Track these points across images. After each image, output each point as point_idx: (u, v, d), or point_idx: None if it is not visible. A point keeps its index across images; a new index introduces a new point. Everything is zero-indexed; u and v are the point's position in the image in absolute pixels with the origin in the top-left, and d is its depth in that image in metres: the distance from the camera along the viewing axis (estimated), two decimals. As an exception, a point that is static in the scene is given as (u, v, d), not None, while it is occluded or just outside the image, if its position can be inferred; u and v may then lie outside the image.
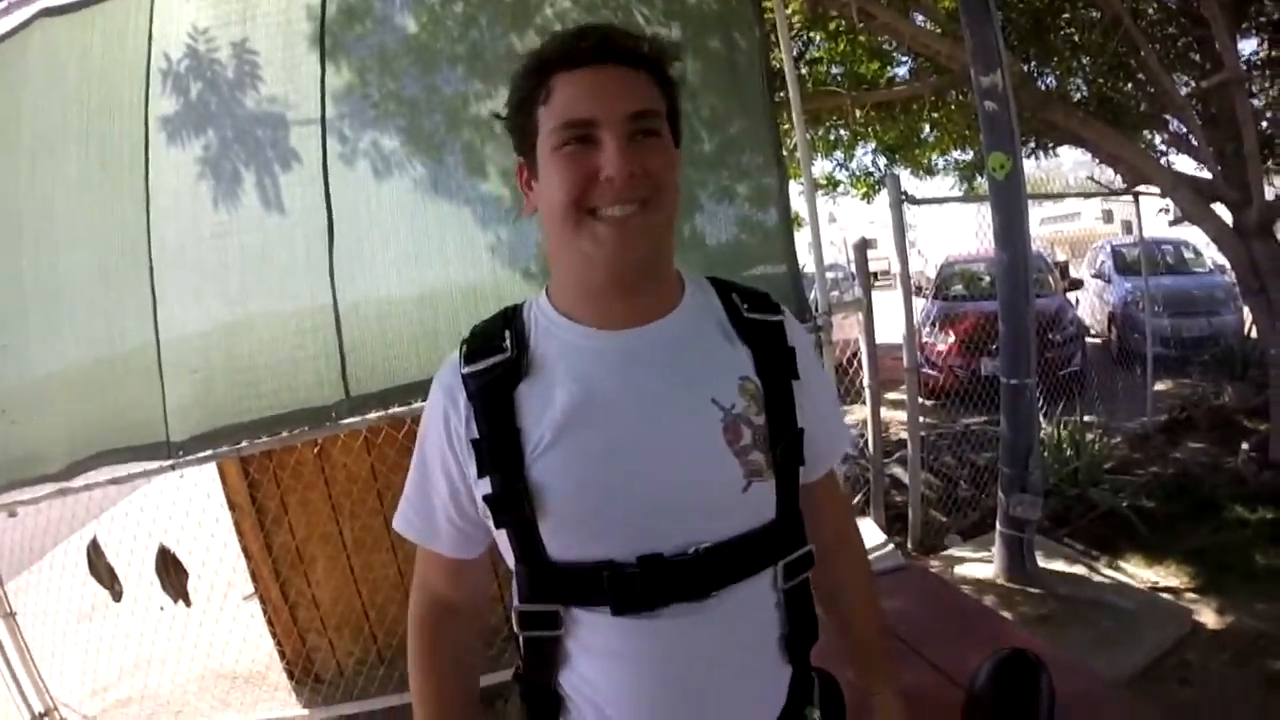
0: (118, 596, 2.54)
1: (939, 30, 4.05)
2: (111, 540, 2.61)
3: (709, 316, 0.81)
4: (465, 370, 0.78)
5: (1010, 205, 2.77)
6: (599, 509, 0.73)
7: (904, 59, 4.99)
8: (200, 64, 2.48)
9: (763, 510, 0.77)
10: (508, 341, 0.78)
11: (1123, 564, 3.16)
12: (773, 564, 0.78)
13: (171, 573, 2.44)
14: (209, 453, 2.33)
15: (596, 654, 0.76)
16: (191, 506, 2.79)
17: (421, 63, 2.54)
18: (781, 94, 3.10)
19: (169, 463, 2.32)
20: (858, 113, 4.75)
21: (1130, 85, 4.84)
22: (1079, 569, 3.06)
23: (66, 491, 2.42)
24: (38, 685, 2.69)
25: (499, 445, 0.74)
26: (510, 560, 0.79)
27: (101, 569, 2.51)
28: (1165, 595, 2.86)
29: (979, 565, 3.11)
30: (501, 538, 0.78)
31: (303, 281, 2.38)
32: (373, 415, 2.34)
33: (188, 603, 2.54)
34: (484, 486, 0.76)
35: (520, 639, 0.79)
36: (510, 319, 0.81)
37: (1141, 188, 5.03)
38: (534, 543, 0.75)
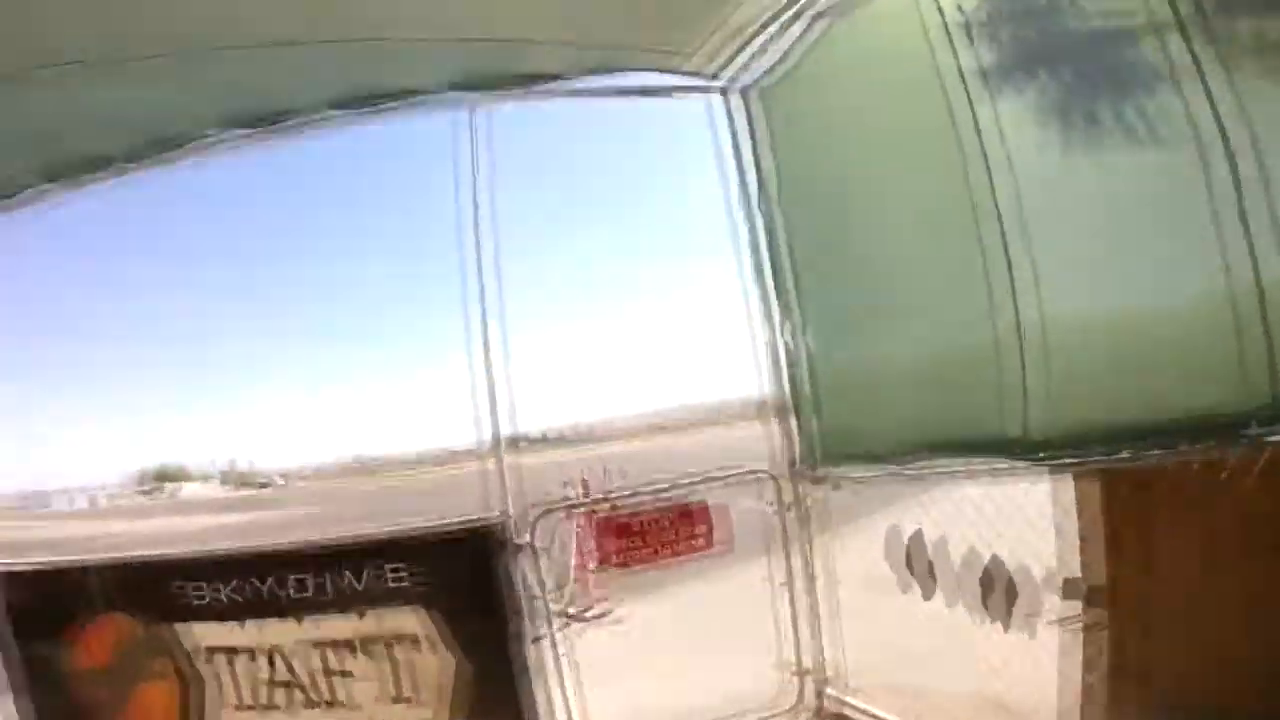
0: (927, 595, 2.40)
1: None
2: (930, 534, 2.47)
3: None
4: None
5: None
6: None
7: None
8: (1000, 4, 2.21)
9: None
10: None
11: None
12: None
13: (997, 590, 2.13)
14: (1064, 461, 1.90)
15: None
16: (1019, 508, 2.45)
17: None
18: None
19: (1011, 463, 1.99)
20: None
21: None
22: None
23: (896, 475, 2.38)
24: (815, 640, 2.86)
25: None
26: None
27: (914, 559, 2.41)
28: None
29: None
30: None
31: (1175, 240, 1.80)
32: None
33: (1005, 627, 2.21)
34: None
35: None
36: None
37: None
38: None
